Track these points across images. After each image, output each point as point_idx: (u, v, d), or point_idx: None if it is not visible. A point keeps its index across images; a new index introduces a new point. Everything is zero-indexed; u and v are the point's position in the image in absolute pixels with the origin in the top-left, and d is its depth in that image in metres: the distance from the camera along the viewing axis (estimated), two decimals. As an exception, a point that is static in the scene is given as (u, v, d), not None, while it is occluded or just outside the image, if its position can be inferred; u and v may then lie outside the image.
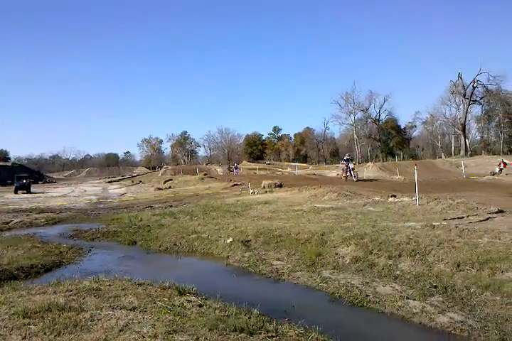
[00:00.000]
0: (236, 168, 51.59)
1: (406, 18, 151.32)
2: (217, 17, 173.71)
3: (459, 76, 71.28)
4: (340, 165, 29.90)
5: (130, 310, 4.74)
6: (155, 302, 5.05)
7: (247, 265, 8.09)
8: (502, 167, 30.37)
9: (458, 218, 9.44)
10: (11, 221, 15.38)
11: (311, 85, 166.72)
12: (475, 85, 70.47)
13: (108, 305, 4.92)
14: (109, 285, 5.96)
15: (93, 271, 7.55)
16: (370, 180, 27.95)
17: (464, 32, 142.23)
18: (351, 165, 26.58)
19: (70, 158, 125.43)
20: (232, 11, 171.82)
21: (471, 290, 5.66)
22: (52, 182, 67.99)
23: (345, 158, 27.03)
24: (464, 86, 71.23)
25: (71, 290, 5.58)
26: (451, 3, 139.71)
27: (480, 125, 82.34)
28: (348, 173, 26.26)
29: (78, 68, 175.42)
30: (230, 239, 9.71)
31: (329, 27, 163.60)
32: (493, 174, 29.71)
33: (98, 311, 4.61)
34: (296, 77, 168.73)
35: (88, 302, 5.01)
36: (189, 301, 5.28)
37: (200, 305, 5.15)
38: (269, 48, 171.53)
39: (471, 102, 72.41)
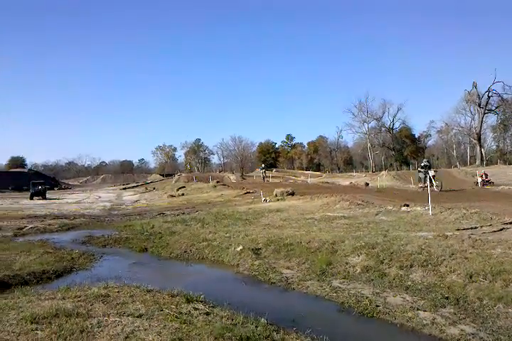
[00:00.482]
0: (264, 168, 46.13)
1: (420, 26, 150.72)
2: (227, 24, 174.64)
3: (474, 85, 70.58)
4: (417, 172, 23.78)
5: (137, 317, 4.74)
6: (162, 310, 5.04)
7: (256, 273, 8.05)
8: (484, 178, 30.49)
9: (471, 228, 9.29)
10: (25, 226, 15.56)
11: (325, 94, 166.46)
12: (490, 94, 69.68)
13: (115, 311, 4.92)
14: (118, 291, 5.97)
15: (103, 277, 7.56)
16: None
17: (478, 41, 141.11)
18: (431, 173, 20.96)
19: (86, 165, 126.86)
20: (242, 18, 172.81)
21: (484, 302, 5.54)
22: (67, 188, 68.78)
23: (422, 164, 22.72)
24: (479, 95, 70.46)
25: (80, 296, 5.60)
26: (466, 12, 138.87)
27: (496, 134, 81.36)
28: (427, 183, 19.34)
29: (92, 73, 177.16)
30: (241, 247, 9.68)
31: (342, 36, 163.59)
32: (477, 184, 30.12)
33: (105, 318, 4.62)
34: (309, 86, 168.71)
35: (96, 308, 5.02)
36: (196, 309, 5.26)
37: (208, 313, 5.13)
38: (283, 57, 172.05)
39: (486, 111, 71.55)
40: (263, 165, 47.95)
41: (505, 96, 69.72)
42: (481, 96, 70.52)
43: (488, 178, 30.84)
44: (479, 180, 30.88)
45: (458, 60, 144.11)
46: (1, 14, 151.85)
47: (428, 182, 19.51)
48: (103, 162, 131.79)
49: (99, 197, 38.39)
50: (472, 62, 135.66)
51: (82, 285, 6.29)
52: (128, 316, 4.77)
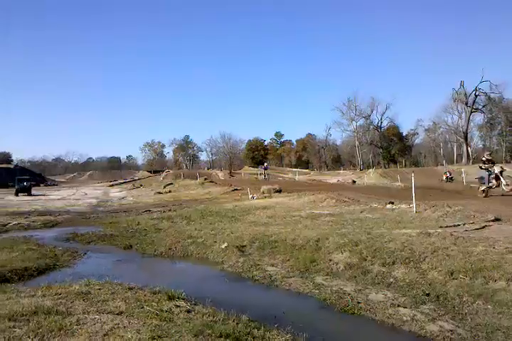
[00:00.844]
0: (266, 168, 44.52)
1: (409, 26, 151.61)
2: (217, 21, 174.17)
3: (461, 84, 71.20)
4: (480, 170, 16.58)
5: (117, 314, 4.71)
6: (143, 307, 5.02)
7: (241, 270, 8.06)
8: (449, 175, 34.06)
9: (454, 226, 9.37)
10: (9, 223, 15.40)
11: (314, 91, 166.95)
12: (477, 93, 70.34)
13: (95, 309, 4.88)
14: (99, 289, 5.93)
15: (86, 274, 7.49)
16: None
17: (466, 40, 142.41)
18: (497, 169, 15.69)
19: (73, 161, 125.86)
20: (232, 15, 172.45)
21: (464, 299, 5.60)
22: (53, 184, 68.14)
23: (484, 159, 16.85)
24: (466, 94, 71.08)
25: (60, 294, 5.55)
26: (454, 11, 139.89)
27: (482, 133, 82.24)
28: (493, 182, 15.65)
29: (82, 71, 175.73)
30: (226, 244, 9.68)
31: (331, 33, 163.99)
32: (441, 181, 33.08)
33: (85, 315, 4.58)
34: (298, 83, 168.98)
35: (76, 305, 4.98)
36: (178, 306, 5.24)
37: (189, 311, 5.11)
38: (271, 54, 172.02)
39: (473, 110, 72.24)
40: (265, 165, 47.71)
41: (492, 95, 70.50)
42: (468, 96, 71.16)
43: (451, 175, 34.84)
44: (444, 177, 34.55)
45: (446, 59, 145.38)
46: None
47: (494, 181, 15.58)
48: (90, 158, 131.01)
49: (86, 193, 38.09)
50: (460, 61, 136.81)
51: (64, 283, 6.23)
52: (108, 313, 4.73)
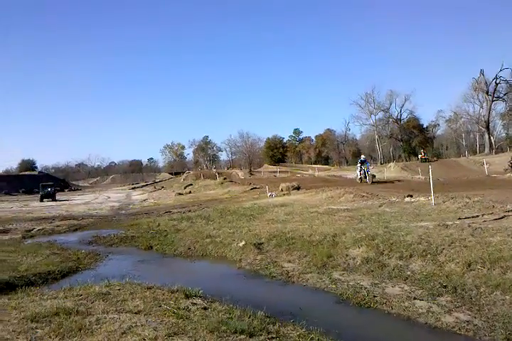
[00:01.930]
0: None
1: (425, 17, 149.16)
2: (232, 19, 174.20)
3: (481, 72, 69.75)
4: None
5: (135, 313, 4.83)
6: (160, 306, 5.13)
7: (258, 268, 8.14)
8: (422, 156, 37.58)
9: (472, 217, 9.26)
10: (34, 228, 15.79)
11: (331, 86, 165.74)
12: (498, 81, 68.83)
13: (114, 308, 5.02)
14: (119, 289, 6.08)
15: (108, 275, 7.64)
16: (392, 182, 27.32)
17: (485, 28, 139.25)
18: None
19: (95, 166, 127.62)
20: (247, 12, 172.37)
21: (481, 290, 5.56)
22: (77, 189, 69.35)
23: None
24: (486, 83, 69.58)
25: (81, 295, 5.71)
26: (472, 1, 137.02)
27: (505, 122, 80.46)
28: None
29: (100, 74, 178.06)
30: (243, 243, 9.77)
31: (348, 28, 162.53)
32: (418, 159, 36.40)
33: (104, 315, 4.72)
34: (315, 79, 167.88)
35: (96, 306, 5.12)
36: (194, 304, 5.34)
37: (205, 308, 5.21)
38: (289, 50, 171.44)
39: (494, 99, 70.72)
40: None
41: (513, 82, 68.88)
42: (488, 84, 69.62)
43: (426, 156, 40.33)
44: (419, 157, 39.66)
45: (465, 49, 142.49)
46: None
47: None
48: (112, 162, 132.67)
49: (109, 197, 38.72)
50: (479, 49, 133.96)
51: (85, 284, 6.40)
52: (126, 313, 4.85)
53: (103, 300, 5.41)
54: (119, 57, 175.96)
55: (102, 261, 9.82)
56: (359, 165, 25.84)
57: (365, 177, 25.22)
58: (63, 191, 58.76)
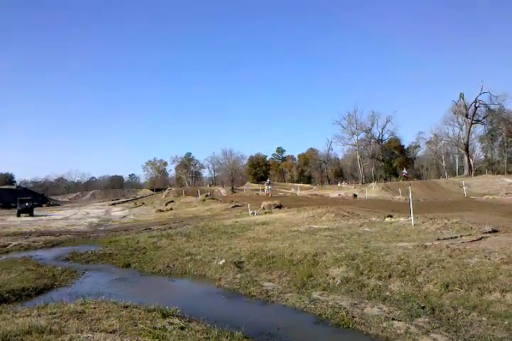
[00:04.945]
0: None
1: (407, 37, 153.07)
2: (214, 34, 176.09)
3: (461, 96, 71.58)
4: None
5: (110, 332, 4.72)
6: (136, 325, 5.03)
7: (237, 287, 8.06)
8: (405, 174, 40.36)
9: (451, 238, 9.39)
10: (9, 244, 15.42)
11: (314, 106, 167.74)
12: (477, 105, 70.67)
13: (89, 327, 4.90)
14: (94, 307, 5.94)
15: (83, 293, 7.50)
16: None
17: (465, 51, 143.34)
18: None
19: (75, 181, 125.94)
20: (227, 27, 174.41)
21: (458, 311, 5.60)
22: (56, 204, 68.07)
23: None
24: (466, 106, 71.38)
25: (55, 313, 5.56)
26: (452, 22, 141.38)
27: (484, 144, 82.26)
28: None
29: (81, 89, 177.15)
30: (223, 261, 9.68)
31: (330, 48, 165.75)
32: (399, 178, 39.46)
33: (78, 334, 4.60)
34: (298, 98, 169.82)
35: (70, 324, 4.99)
36: (171, 323, 5.25)
37: (182, 328, 5.11)
38: (270, 68, 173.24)
39: (473, 122, 72.47)
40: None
41: (492, 106, 70.75)
42: (468, 107, 71.45)
43: (408, 175, 43.82)
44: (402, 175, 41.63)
45: (446, 71, 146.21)
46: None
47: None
48: (93, 177, 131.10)
49: (87, 213, 38.10)
50: (460, 72, 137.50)
51: (59, 302, 6.24)
52: (101, 332, 4.74)
53: (77, 319, 5.28)
54: (101, 72, 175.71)
55: (78, 279, 9.61)
56: None
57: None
58: (41, 206, 57.58)
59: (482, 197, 25.74)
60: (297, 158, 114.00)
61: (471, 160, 72.75)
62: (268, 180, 50.44)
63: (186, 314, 5.85)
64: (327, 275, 7.90)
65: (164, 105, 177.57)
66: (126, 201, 58.76)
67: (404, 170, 38.45)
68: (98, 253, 12.72)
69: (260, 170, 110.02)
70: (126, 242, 14.27)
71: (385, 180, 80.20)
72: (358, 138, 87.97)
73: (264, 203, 23.70)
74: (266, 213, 21.05)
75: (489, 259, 7.08)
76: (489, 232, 9.68)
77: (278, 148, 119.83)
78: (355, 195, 36.74)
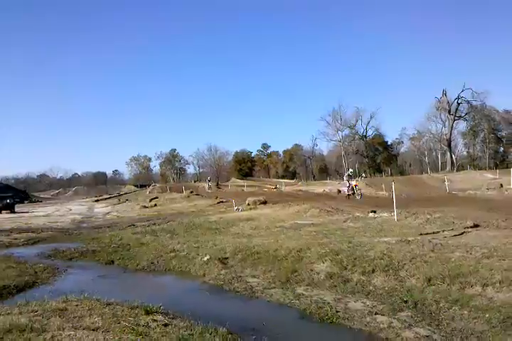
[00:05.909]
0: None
1: (390, 34, 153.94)
2: (200, 33, 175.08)
3: (444, 92, 72.59)
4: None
5: (93, 330, 4.67)
6: (119, 322, 4.97)
7: (222, 283, 8.04)
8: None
9: (433, 233, 9.50)
10: (-10, 241, 15.14)
11: (300, 102, 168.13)
12: (459, 102, 71.71)
13: (71, 325, 4.83)
14: (77, 305, 5.86)
15: (66, 291, 7.37)
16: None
17: (448, 48, 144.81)
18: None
19: (58, 177, 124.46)
20: (219, 28, 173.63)
21: (440, 305, 5.67)
22: (38, 201, 67.22)
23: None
24: (448, 102, 72.41)
25: (36, 311, 5.48)
26: (436, 19, 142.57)
27: (466, 140, 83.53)
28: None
29: (65, 85, 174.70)
30: (208, 257, 9.66)
31: (315, 44, 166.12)
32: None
33: (60, 331, 4.54)
34: (283, 94, 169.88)
35: (51, 322, 4.92)
36: (155, 320, 5.21)
37: (166, 325, 5.08)
38: (256, 64, 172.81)
39: (456, 118, 73.57)
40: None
41: (474, 103, 71.94)
42: (450, 104, 72.44)
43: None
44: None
45: (429, 67, 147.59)
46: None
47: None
48: (76, 174, 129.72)
49: (70, 209, 37.63)
50: (443, 68, 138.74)
51: (41, 300, 6.14)
52: (84, 329, 4.68)
53: (59, 317, 5.20)
54: (86, 69, 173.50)
55: (60, 276, 9.47)
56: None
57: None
58: (23, 203, 56.83)
59: (464, 192, 26.11)
60: (282, 154, 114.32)
61: (453, 156, 73.87)
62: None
63: (170, 311, 5.80)
64: (311, 270, 7.93)
65: (148, 101, 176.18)
66: (110, 197, 58.22)
67: (350, 170, 38.75)
68: (81, 250, 12.57)
69: (245, 166, 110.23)
70: (109, 239, 14.14)
71: (370, 175, 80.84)
72: (343, 135, 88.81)
73: (249, 199, 23.72)
74: (251, 209, 21.08)
75: (471, 254, 7.19)
76: (471, 227, 9.82)
77: (263, 144, 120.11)
78: (339, 191, 36.92)
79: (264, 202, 22.88)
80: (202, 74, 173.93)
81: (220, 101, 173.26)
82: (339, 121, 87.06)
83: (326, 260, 8.07)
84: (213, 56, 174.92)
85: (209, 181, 49.85)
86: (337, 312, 5.86)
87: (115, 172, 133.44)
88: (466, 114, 75.11)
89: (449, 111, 72.58)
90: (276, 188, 47.75)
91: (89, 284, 8.38)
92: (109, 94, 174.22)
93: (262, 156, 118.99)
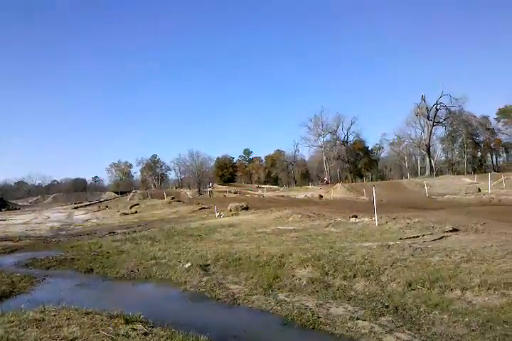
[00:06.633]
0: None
1: (370, 40, 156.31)
2: (182, 42, 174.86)
3: (423, 98, 73.63)
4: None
5: (71, 340, 4.58)
6: (98, 332, 4.88)
7: (203, 290, 7.97)
8: (326, 180, 41.62)
9: (413, 237, 9.59)
10: (-35, 250, 14.77)
11: (282, 108, 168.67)
12: (438, 107, 72.86)
13: (48, 335, 4.73)
14: (54, 315, 5.74)
15: (43, 300, 7.20)
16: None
17: (427, 54, 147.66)
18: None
19: (36, 184, 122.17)
20: (187, 31, 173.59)
21: (421, 309, 5.71)
22: (15, 209, 65.77)
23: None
24: (427, 108, 73.48)
25: (13, 321, 5.34)
26: (416, 25, 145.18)
27: (444, 146, 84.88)
28: None
29: (39, 90, 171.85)
30: (189, 264, 9.58)
31: (297, 50, 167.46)
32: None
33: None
34: (265, 99, 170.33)
35: (28, 333, 4.80)
36: (135, 329, 5.12)
37: (146, 334, 5.00)
38: (238, 70, 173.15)
39: (434, 124, 74.67)
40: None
41: (452, 108, 73.19)
42: (429, 109, 73.55)
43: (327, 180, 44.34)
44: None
45: (409, 74, 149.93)
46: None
47: None
48: (54, 180, 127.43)
49: (49, 217, 36.98)
50: (422, 75, 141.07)
51: (18, 310, 6.00)
52: (62, 340, 4.59)
53: (37, 327, 5.09)
54: (65, 71, 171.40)
55: (38, 285, 9.27)
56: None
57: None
58: (0, 210, 55.67)
59: (443, 196, 26.48)
60: (264, 160, 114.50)
61: (432, 161, 74.87)
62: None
63: (150, 319, 5.72)
64: (293, 276, 7.92)
65: (129, 106, 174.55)
66: (90, 204, 57.42)
67: (326, 178, 40.48)
68: (59, 258, 12.34)
69: (227, 171, 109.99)
70: (88, 247, 13.93)
71: (351, 180, 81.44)
72: (324, 140, 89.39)
73: (231, 205, 23.67)
74: (233, 215, 21.03)
75: (450, 258, 7.28)
76: (450, 231, 9.95)
77: (245, 149, 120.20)
78: (321, 196, 37.16)
79: (246, 208, 22.86)
80: (183, 79, 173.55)
81: (202, 107, 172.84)
82: (320, 127, 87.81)
83: (307, 265, 8.07)
84: (195, 63, 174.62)
85: (211, 187, 47.93)
86: (319, 317, 5.85)
87: (95, 178, 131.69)
88: (444, 119, 76.38)
89: (428, 117, 73.67)
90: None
91: (67, 293, 8.22)
92: (88, 100, 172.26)
93: (244, 162, 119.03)
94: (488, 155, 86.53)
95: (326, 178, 52.69)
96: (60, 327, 5.13)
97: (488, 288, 5.68)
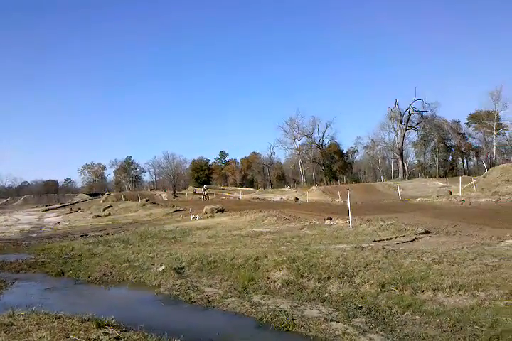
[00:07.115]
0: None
1: (347, 44, 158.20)
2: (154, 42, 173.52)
3: (396, 103, 74.98)
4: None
5: (40, 345, 4.47)
6: (69, 337, 4.78)
7: (177, 293, 7.89)
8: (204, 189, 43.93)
9: (386, 239, 9.73)
10: None
11: (257, 110, 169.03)
12: (411, 112, 74.31)
13: (17, 341, 4.61)
14: (24, 319, 5.59)
15: (12, 304, 7.03)
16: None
17: (401, 59, 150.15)
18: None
19: (6, 186, 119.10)
20: (170, 35, 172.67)
21: (393, 310, 5.78)
22: (-16, 211, 64.12)
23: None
24: (400, 112, 74.88)
25: (-21, 327, 5.19)
26: (393, 29, 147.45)
27: (417, 149, 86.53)
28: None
29: (9, 87, 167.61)
30: (163, 267, 9.48)
31: (274, 53, 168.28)
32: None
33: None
34: (241, 102, 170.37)
35: (-5, 339, 4.67)
36: (106, 334, 5.03)
37: (118, 338, 4.92)
38: (214, 72, 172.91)
39: (407, 128, 76.09)
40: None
41: (424, 113, 74.81)
42: (402, 114, 74.95)
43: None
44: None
45: (383, 78, 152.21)
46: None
47: None
48: (25, 182, 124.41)
49: (19, 219, 36.12)
50: (396, 79, 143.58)
51: (-15, 315, 5.83)
52: (30, 345, 4.48)
53: (5, 332, 4.95)
54: (51, 77, 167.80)
55: (7, 289, 9.03)
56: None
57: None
58: (-32, 212, 54.11)
59: (415, 199, 26.94)
60: (240, 162, 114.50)
61: (405, 164, 76.30)
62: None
63: (123, 323, 5.64)
64: (268, 278, 7.92)
65: (103, 106, 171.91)
66: (62, 206, 56.33)
67: (204, 186, 42.13)
68: (29, 261, 12.05)
69: (203, 174, 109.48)
70: (60, 249, 13.64)
71: (326, 183, 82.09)
72: (300, 143, 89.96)
73: (207, 207, 23.55)
74: (208, 217, 20.94)
75: (422, 259, 7.40)
76: (422, 233, 10.13)
77: (221, 152, 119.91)
78: (296, 199, 37.32)
79: (222, 210, 22.80)
80: (160, 79, 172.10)
81: (177, 109, 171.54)
82: (296, 130, 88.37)
83: (282, 268, 8.08)
84: (171, 64, 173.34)
85: (204, 190, 46.22)
86: (293, 320, 5.86)
87: (67, 180, 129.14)
88: (417, 123, 77.97)
89: (401, 121, 75.09)
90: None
91: (38, 297, 8.05)
92: (60, 98, 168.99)
93: (220, 164, 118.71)
94: (459, 159, 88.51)
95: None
96: (30, 332, 5.00)
97: (459, 289, 5.80)
